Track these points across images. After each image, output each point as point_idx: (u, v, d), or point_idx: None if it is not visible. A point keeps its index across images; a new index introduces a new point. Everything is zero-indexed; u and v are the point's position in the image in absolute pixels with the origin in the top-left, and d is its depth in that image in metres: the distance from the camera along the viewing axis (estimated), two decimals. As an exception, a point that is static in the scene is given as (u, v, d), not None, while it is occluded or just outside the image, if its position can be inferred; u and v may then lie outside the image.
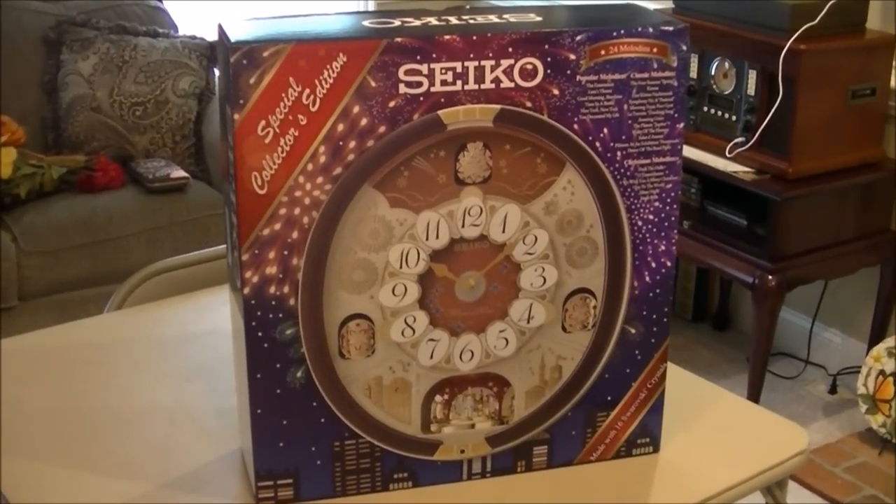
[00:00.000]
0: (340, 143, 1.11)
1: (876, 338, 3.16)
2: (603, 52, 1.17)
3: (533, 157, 1.18)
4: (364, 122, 1.11)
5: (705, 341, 3.62)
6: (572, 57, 1.16)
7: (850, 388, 3.23)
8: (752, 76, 2.93)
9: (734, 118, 3.01)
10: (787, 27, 2.80)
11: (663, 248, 1.25)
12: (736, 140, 2.99)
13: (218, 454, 1.31)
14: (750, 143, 2.95)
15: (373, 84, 1.11)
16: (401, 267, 1.17)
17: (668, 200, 1.23)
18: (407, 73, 1.11)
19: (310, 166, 1.11)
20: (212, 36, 3.60)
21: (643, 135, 1.21)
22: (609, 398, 1.29)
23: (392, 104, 1.12)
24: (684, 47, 1.20)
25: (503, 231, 1.19)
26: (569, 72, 1.16)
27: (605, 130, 1.19)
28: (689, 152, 3.10)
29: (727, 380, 3.30)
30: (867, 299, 3.23)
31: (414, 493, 1.26)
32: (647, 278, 1.25)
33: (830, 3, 2.82)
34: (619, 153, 1.20)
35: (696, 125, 3.14)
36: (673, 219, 1.24)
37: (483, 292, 1.20)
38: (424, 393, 1.22)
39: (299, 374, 1.17)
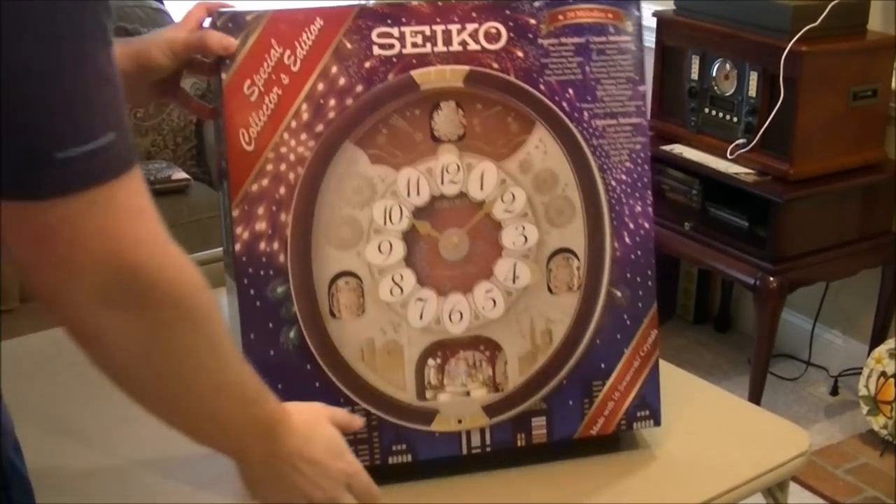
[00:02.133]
0: (321, 101, 1.21)
1: (877, 339, 3.15)
2: (561, 18, 1.28)
3: (504, 117, 1.26)
4: (342, 81, 1.22)
5: (707, 343, 3.62)
6: (533, 21, 1.27)
7: (852, 390, 3.23)
8: (754, 78, 2.92)
9: (735, 120, 3.01)
10: (789, 28, 2.80)
11: (639, 209, 1.32)
12: (737, 141, 2.99)
13: (220, 456, 1.31)
14: (751, 145, 2.95)
15: (348, 46, 1.22)
16: (385, 223, 1.23)
17: (639, 161, 1.31)
18: (379, 35, 1.23)
19: (293, 123, 1.20)
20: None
21: (607, 96, 1.30)
22: (603, 365, 1.30)
23: (367, 65, 1.22)
24: (637, 13, 1.32)
25: (481, 188, 1.26)
26: (531, 35, 1.27)
27: (571, 91, 1.28)
28: (691, 154, 3.10)
29: (729, 381, 3.30)
30: (868, 301, 3.23)
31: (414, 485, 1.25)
32: (627, 239, 1.32)
33: (832, 4, 2.82)
34: (585, 113, 1.29)
35: (698, 126, 3.14)
36: (646, 180, 1.32)
37: (467, 251, 1.26)
38: (417, 357, 1.25)
39: (292, 335, 1.20)
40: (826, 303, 3.35)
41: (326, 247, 1.22)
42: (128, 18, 3.65)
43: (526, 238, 1.28)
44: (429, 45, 1.25)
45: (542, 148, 1.28)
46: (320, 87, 1.22)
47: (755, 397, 2.99)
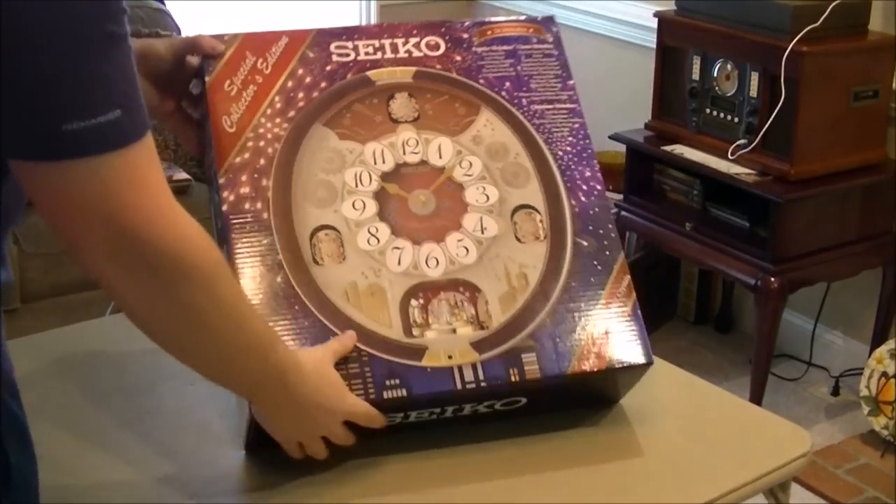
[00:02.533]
0: (291, 94, 1.41)
1: (878, 340, 3.15)
2: (489, 32, 1.51)
3: (452, 103, 1.45)
4: (308, 79, 1.42)
5: (708, 343, 3.62)
6: (465, 35, 1.50)
7: (853, 390, 3.23)
8: (755, 78, 2.93)
9: (736, 120, 3.01)
10: (790, 29, 2.80)
11: (589, 174, 1.44)
12: (738, 142, 2.99)
13: (222, 456, 1.31)
14: (752, 145, 2.95)
15: (310, 55, 1.44)
16: (356, 186, 1.37)
17: (580, 136, 1.46)
18: (336, 47, 1.46)
19: (268, 111, 1.39)
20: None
21: (540, 87, 1.49)
22: (582, 305, 1.35)
23: (328, 68, 1.44)
24: (554, 28, 1.55)
25: (440, 157, 1.41)
26: (465, 45, 1.49)
27: (507, 84, 1.48)
28: (692, 154, 3.10)
29: (729, 382, 3.29)
30: (869, 301, 3.23)
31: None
32: (583, 198, 1.42)
33: (833, 4, 2.82)
34: (524, 100, 1.47)
35: (699, 127, 3.14)
36: (590, 151, 1.45)
37: (434, 207, 1.39)
38: (399, 297, 1.32)
39: (279, 279, 1.29)
40: (827, 303, 3.35)
41: (305, 205, 1.35)
42: (129, 19, 3.64)
43: (487, 196, 1.40)
44: (379, 53, 1.48)
45: (489, 126, 1.44)
46: (290, 83, 1.42)
47: (756, 398, 2.99)
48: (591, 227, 1.40)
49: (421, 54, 1.49)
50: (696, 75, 3.11)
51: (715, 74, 3.06)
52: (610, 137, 3.35)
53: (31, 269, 3.10)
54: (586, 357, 1.32)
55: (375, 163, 1.39)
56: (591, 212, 1.41)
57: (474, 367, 1.29)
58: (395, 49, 1.49)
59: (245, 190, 1.35)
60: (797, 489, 2.76)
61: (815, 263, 2.97)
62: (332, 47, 1.46)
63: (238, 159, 1.36)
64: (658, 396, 1.50)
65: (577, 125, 1.47)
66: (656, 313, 3.70)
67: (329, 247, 1.33)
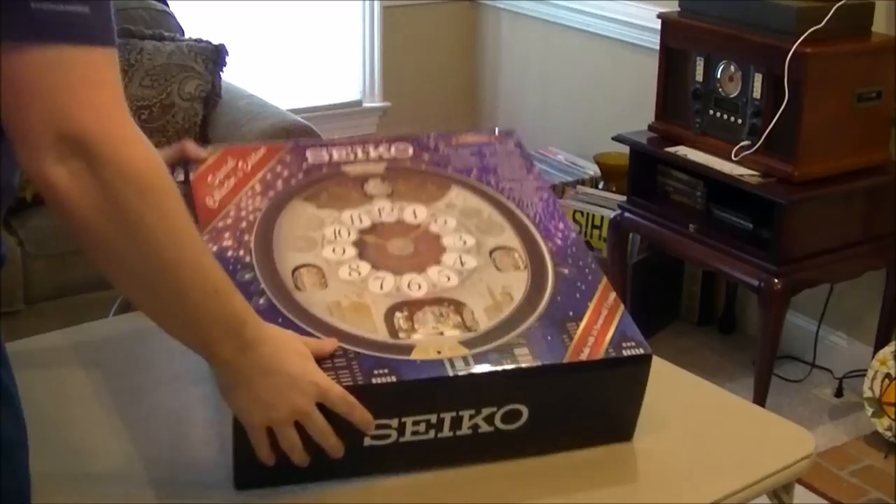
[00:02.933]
0: (270, 182, 1.49)
1: (882, 341, 3.15)
2: (453, 141, 1.61)
3: (424, 183, 1.53)
4: (286, 173, 1.51)
5: (711, 345, 3.62)
6: (432, 143, 1.60)
7: (856, 392, 3.23)
8: (758, 79, 2.93)
9: (740, 121, 3.01)
10: (793, 30, 2.80)
11: (562, 225, 1.49)
12: (742, 143, 2.99)
13: (224, 458, 1.31)
14: (756, 147, 2.95)
15: (287, 158, 1.54)
16: (335, 238, 1.42)
17: (549, 201, 1.52)
18: (311, 153, 1.56)
19: (249, 193, 1.47)
20: (218, 39, 3.61)
21: (507, 173, 1.57)
22: (571, 312, 1.34)
23: (304, 166, 1.53)
24: (516, 136, 1.64)
25: (415, 217, 1.47)
26: (432, 148, 1.59)
27: (475, 171, 1.57)
28: (695, 156, 3.10)
29: (733, 383, 3.29)
30: (873, 303, 3.23)
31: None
32: (559, 241, 1.46)
33: (836, 6, 2.82)
34: (492, 180, 1.55)
35: (702, 128, 3.14)
36: (559, 208, 1.51)
37: (413, 250, 1.42)
38: (384, 311, 1.32)
39: (261, 301, 1.30)
40: (831, 305, 3.35)
41: (287, 252, 1.38)
42: (132, 20, 3.65)
43: (465, 241, 1.44)
44: (352, 155, 1.57)
45: (462, 197, 1.52)
46: (268, 176, 1.50)
47: (760, 399, 2.99)
48: (570, 260, 1.42)
49: (391, 156, 1.57)
50: (699, 77, 3.11)
51: (718, 76, 3.06)
52: (613, 139, 3.36)
53: (34, 270, 3.10)
54: (580, 350, 1.30)
55: (353, 223, 1.45)
56: (569, 250, 1.44)
57: (465, 358, 1.26)
58: (366, 152, 1.57)
59: (228, 243, 1.38)
60: (801, 491, 2.76)
61: (818, 265, 2.97)
62: (307, 153, 1.55)
63: (220, 223, 1.41)
64: (661, 397, 1.50)
65: (545, 195, 1.53)
66: (660, 315, 3.70)
67: (310, 278, 1.34)
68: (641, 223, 3.30)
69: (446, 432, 1.28)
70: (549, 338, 1.30)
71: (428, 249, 1.42)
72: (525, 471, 1.31)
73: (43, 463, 1.30)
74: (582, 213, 3.66)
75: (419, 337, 1.28)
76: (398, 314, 1.31)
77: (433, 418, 1.26)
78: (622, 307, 1.36)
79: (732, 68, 3.02)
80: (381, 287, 1.35)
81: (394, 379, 1.23)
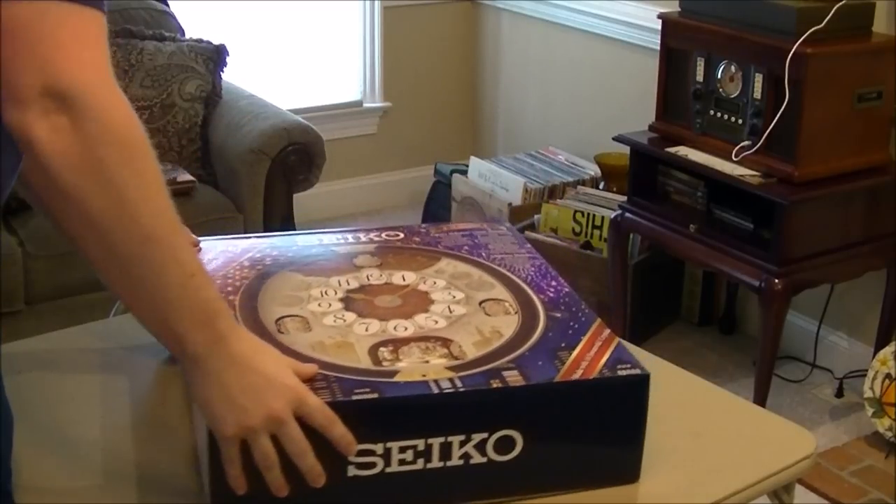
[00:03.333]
0: (258, 258, 1.48)
1: (882, 341, 3.15)
2: (445, 229, 1.61)
3: (414, 256, 1.52)
4: (275, 252, 1.51)
5: (712, 345, 3.62)
6: (423, 230, 1.59)
7: (857, 392, 3.23)
8: (759, 80, 2.92)
9: (740, 122, 3.01)
10: (794, 31, 2.80)
11: (555, 283, 1.45)
12: (742, 144, 2.99)
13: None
14: (756, 147, 2.95)
15: (278, 242, 1.54)
16: (322, 296, 1.38)
17: (542, 267, 1.50)
18: (301, 239, 1.55)
19: (237, 267, 1.45)
20: (218, 39, 3.61)
21: (498, 248, 1.55)
22: (563, 344, 1.30)
23: (294, 248, 1.52)
24: (507, 223, 1.63)
25: (403, 280, 1.44)
26: (423, 233, 1.59)
27: (466, 248, 1.55)
28: (696, 156, 3.10)
29: (734, 383, 3.29)
30: (874, 303, 3.23)
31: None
32: (552, 294, 1.42)
33: (837, 6, 2.82)
34: (483, 253, 1.53)
35: (703, 128, 3.13)
36: (552, 271, 1.48)
37: (401, 303, 1.38)
38: (368, 347, 1.27)
39: None
40: (831, 305, 3.35)
41: (272, 306, 1.35)
42: (132, 20, 3.65)
43: (454, 296, 1.40)
44: (343, 240, 1.56)
45: (452, 265, 1.49)
46: (258, 255, 1.49)
47: (760, 399, 2.99)
48: (562, 307, 1.38)
49: (382, 240, 1.56)
50: (700, 77, 3.11)
51: (719, 76, 3.06)
52: (614, 139, 3.36)
53: (35, 270, 3.10)
54: (575, 369, 1.24)
55: (340, 285, 1.42)
56: (562, 299, 1.40)
57: (451, 380, 1.21)
58: (357, 238, 1.56)
59: None
60: (801, 491, 2.76)
61: (819, 265, 2.97)
62: (297, 239, 1.56)
63: None
64: (662, 398, 1.50)
65: (539, 262, 1.51)
66: (660, 315, 3.70)
67: (294, 325, 1.30)
68: (642, 223, 3.30)
69: (436, 462, 1.20)
70: (541, 363, 1.25)
71: (416, 302, 1.38)
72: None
73: (42, 463, 1.30)
74: (582, 213, 3.66)
75: (404, 365, 1.23)
76: (383, 349, 1.26)
77: (420, 444, 1.19)
78: (617, 340, 1.31)
79: (733, 68, 3.02)
80: (367, 330, 1.30)
81: (375, 396, 1.17)
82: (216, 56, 3.61)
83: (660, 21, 3.25)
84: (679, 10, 3.21)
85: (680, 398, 1.51)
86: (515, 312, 1.36)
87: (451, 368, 1.23)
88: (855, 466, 2.94)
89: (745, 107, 2.99)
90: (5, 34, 0.98)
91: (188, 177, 3.38)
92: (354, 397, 1.16)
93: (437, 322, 1.33)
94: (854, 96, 2.90)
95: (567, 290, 1.43)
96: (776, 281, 2.87)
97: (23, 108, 0.99)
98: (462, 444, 1.20)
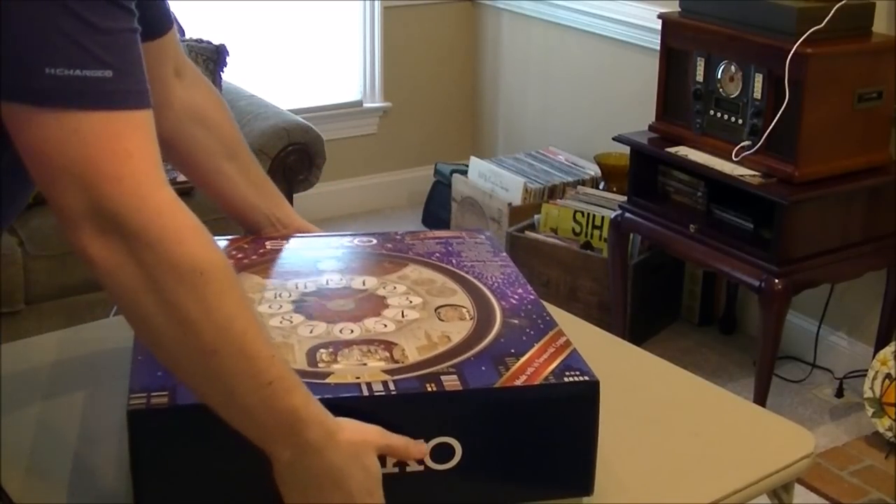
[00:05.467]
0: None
1: (882, 341, 3.15)
2: (422, 236, 1.56)
3: (380, 262, 1.47)
4: (240, 255, 1.47)
5: (712, 345, 3.62)
6: (398, 237, 1.55)
7: (857, 392, 3.23)
8: (759, 80, 2.92)
9: (740, 122, 3.01)
10: (794, 31, 2.80)
11: (521, 291, 1.40)
12: (742, 144, 2.99)
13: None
14: (756, 147, 2.95)
15: (246, 246, 1.50)
16: (275, 298, 1.35)
17: (513, 275, 1.44)
18: (271, 243, 1.51)
19: None
20: (218, 39, 3.61)
21: (471, 255, 1.50)
22: (512, 350, 1.24)
23: (261, 251, 1.49)
24: (487, 232, 1.59)
25: (363, 285, 1.40)
26: (398, 240, 1.54)
27: (437, 255, 1.50)
28: (695, 156, 3.10)
29: (734, 383, 3.30)
30: (874, 303, 3.23)
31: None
32: (514, 301, 1.37)
33: (837, 6, 2.82)
34: (453, 261, 1.48)
35: (703, 129, 3.14)
36: (521, 279, 1.43)
37: (353, 307, 1.34)
38: (307, 348, 1.23)
39: None
40: (831, 305, 3.35)
41: None
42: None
43: (411, 301, 1.36)
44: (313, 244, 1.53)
45: (417, 271, 1.44)
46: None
47: (760, 399, 2.99)
48: (522, 314, 1.33)
49: (352, 245, 1.52)
50: (700, 77, 3.11)
51: (719, 76, 3.06)
52: (614, 139, 3.36)
53: (35, 270, 3.10)
54: (519, 376, 1.19)
55: (297, 288, 1.37)
56: (524, 307, 1.35)
57: (385, 383, 1.16)
58: (327, 243, 1.52)
59: None
60: (801, 491, 2.76)
61: (819, 265, 2.97)
62: (267, 243, 1.51)
63: None
64: (662, 397, 1.51)
65: (510, 271, 1.45)
66: (660, 315, 3.70)
67: None
68: (642, 223, 3.30)
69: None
70: (484, 368, 1.19)
71: (370, 307, 1.33)
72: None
73: (42, 463, 1.30)
74: (582, 213, 3.66)
75: (339, 367, 1.19)
76: (322, 350, 1.22)
77: None
78: (573, 348, 1.25)
79: (733, 69, 3.02)
80: (311, 332, 1.26)
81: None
82: (216, 56, 3.61)
83: (660, 21, 3.25)
84: (679, 10, 3.21)
85: (680, 398, 1.51)
86: (471, 318, 1.31)
87: (388, 371, 1.18)
88: (855, 466, 2.94)
89: (745, 107, 2.99)
90: (38, 154, 0.95)
91: (188, 177, 3.37)
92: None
93: (385, 326, 1.29)
94: (854, 96, 2.90)
95: (532, 297, 1.38)
96: (776, 281, 2.87)
97: (75, 228, 0.97)
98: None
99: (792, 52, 2.78)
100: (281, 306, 1.32)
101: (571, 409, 1.20)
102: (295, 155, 3.43)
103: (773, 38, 2.86)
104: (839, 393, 3.31)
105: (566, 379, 1.19)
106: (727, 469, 1.35)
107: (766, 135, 2.92)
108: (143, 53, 1.00)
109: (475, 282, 1.42)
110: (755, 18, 2.94)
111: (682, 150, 3.15)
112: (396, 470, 1.16)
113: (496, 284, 1.41)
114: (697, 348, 3.59)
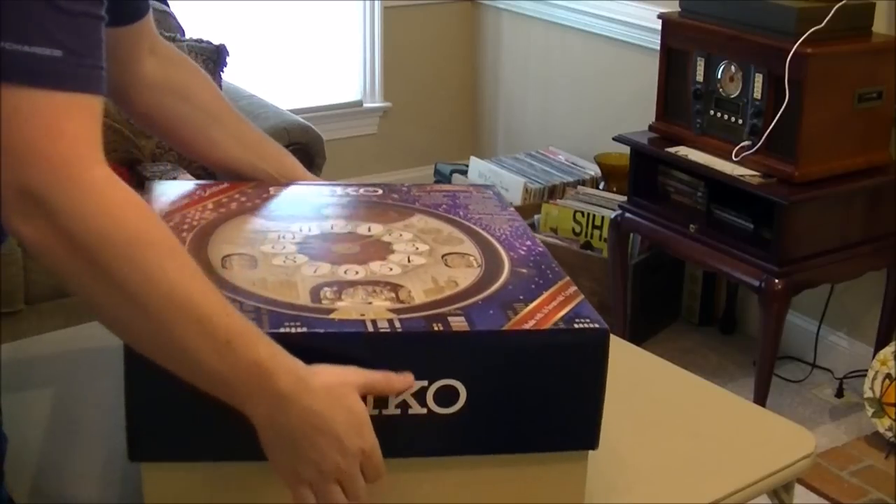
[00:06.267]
0: (224, 202, 1.42)
1: (882, 341, 3.15)
2: (428, 189, 1.54)
3: (386, 211, 1.44)
4: (243, 198, 1.44)
5: (712, 345, 3.62)
6: (404, 189, 1.53)
7: (857, 392, 3.23)
8: (759, 80, 2.93)
9: (740, 122, 3.01)
10: (794, 31, 2.80)
11: (529, 243, 1.38)
12: (742, 144, 2.99)
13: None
14: (756, 147, 2.95)
15: (249, 191, 1.47)
16: (278, 240, 1.33)
17: (521, 228, 1.42)
18: (275, 189, 1.49)
19: (199, 209, 1.39)
20: (218, 39, 3.61)
21: (478, 208, 1.48)
22: (521, 297, 1.22)
23: (265, 195, 1.46)
24: (494, 191, 1.55)
25: (369, 231, 1.38)
26: (404, 192, 1.52)
27: (444, 206, 1.47)
28: (696, 156, 3.10)
29: (734, 383, 3.30)
30: (874, 303, 3.23)
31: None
32: (523, 252, 1.34)
33: (837, 6, 2.82)
34: (461, 212, 1.46)
35: (703, 129, 3.14)
36: (529, 233, 1.41)
37: (358, 251, 1.31)
38: (311, 287, 1.21)
39: None
40: (831, 305, 3.35)
41: (220, 245, 1.29)
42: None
43: (417, 248, 1.33)
44: (318, 192, 1.50)
45: (423, 220, 1.42)
46: (224, 199, 1.43)
47: (760, 399, 2.99)
48: (531, 264, 1.31)
49: (358, 194, 1.50)
50: (700, 77, 3.11)
51: (719, 76, 3.06)
52: (614, 139, 3.36)
53: (35, 270, 3.10)
54: (527, 320, 1.16)
55: (301, 231, 1.35)
56: (532, 258, 1.33)
57: (390, 321, 1.13)
58: (332, 191, 1.50)
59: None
60: (801, 491, 2.76)
61: (819, 265, 2.97)
62: (270, 189, 1.48)
63: (165, 209, 1.36)
64: (662, 397, 1.51)
65: (518, 224, 1.43)
66: (660, 315, 3.70)
67: (240, 261, 1.25)
68: (642, 223, 3.30)
69: (370, 409, 1.12)
70: (492, 311, 1.17)
71: (375, 251, 1.31)
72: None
73: (42, 463, 1.30)
74: (582, 213, 3.66)
75: (343, 304, 1.17)
76: (326, 289, 1.20)
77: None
78: (582, 297, 1.23)
79: (733, 69, 3.02)
80: (315, 272, 1.24)
81: (304, 329, 1.11)
82: (216, 56, 3.60)
83: (660, 21, 3.25)
84: (679, 10, 3.21)
85: (680, 398, 1.51)
86: (479, 266, 1.29)
87: (393, 311, 1.16)
88: (855, 466, 2.94)
89: (745, 107, 2.99)
90: None
91: (188, 176, 3.37)
92: (283, 329, 1.10)
93: (391, 269, 1.26)
94: (854, 96, 2.90)
95: (541, 249, 1.35)
96: (776, 281, 2.87)
97: (7, 208, 0.96)
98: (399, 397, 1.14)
99: (792, 52, 2.78)
100: (284, 247, 1.30)
101: (580, 357, 1.18)
102: (295, 155, 3.40)
103: (773, 38, 2.86)
104: (839, 393, 3.31)
105: (576, 325, 1.17)
106: (727, 469, 1.35)
107: (766, 135, 2.92)
108: (121, 37, 1.01)
109: (483, 232, 1.39)
110: (755, 18, 2.94)
111: (682, 150, 3.15)
112: (399, 412, 1.14)
113: (504, 236, 1.39)
114: (697, 348, 3.59)
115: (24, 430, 1.35)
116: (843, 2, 2.84)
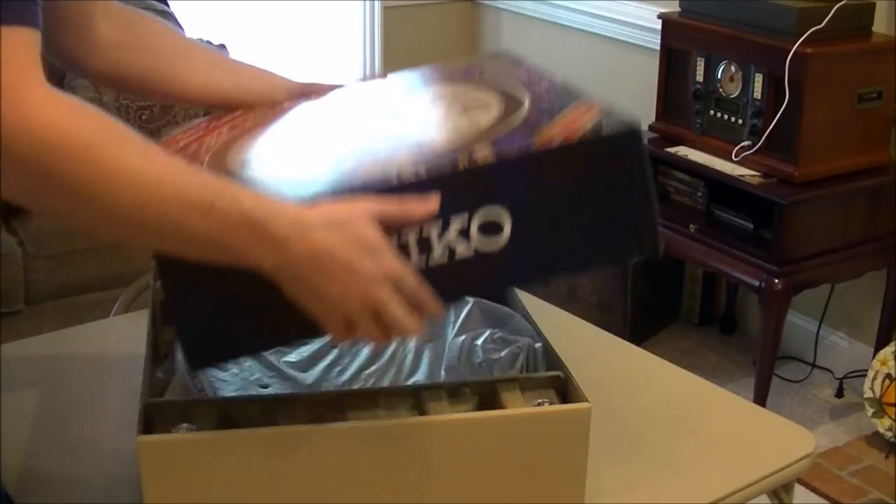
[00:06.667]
0: (236, 125, 1.34)
1: (882, 341, 3.15)
2: (439, 67, 1.49)
3: (399, 96, 1.39)
4: (248, 124, 1.34)
5: (712, 345, 3.62)
6: (416, 71, 1.49)
7: (857, 392, 3.23)
8: (759, 80, 2.92)
9: (741, 122, 3.01)
10: (794, 31, 2.80)
11: (548, 82, 1.31)
12: (742, 144, 2.99)
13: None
14: (756, 147, 2.95)
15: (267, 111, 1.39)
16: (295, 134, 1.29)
17: (537, 73, 1.34)
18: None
19: (216, 135, 1.31)
20: (218, 39, 3.61)
21: (493, 69, 1.41)
22: (544, 121, 1.18)
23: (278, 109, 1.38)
24: (520, 57, 1.46)
25: (386, 111, 1.34)
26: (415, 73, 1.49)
27: (459, 75, 1.42)
28: (696, 156, 3.10)
29: (734, 383, 3.29)
30: (874, 303, 3.23)
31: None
32: (544, 88, 1.29)
33: (837, 6, 2.82)
34: (476, 76, 1.38)
35: (703, 129, 3.14)
36: (546, 72, 1.33)
37: (377, 125, 1.29)
38: (332, 159, 1.20)
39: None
40: (831, 305, 3.35)
41: (240, 153, 1.25)
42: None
43: (435, 107, 1.30)
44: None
45: (439, 89, 1.38)
46: (240, 118, 1.37)
47: (760, 399, 2.99)
48: (552, 94, 1.27)
49: (365, 84, 1.50)
50: (700, 77, 3.11)
51: (719, 76, 3.06)
52: (614, 139, 3.35)
53: (35, 270, 3.10)
54: (557, 134, 1.12)
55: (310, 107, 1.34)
56: (553, 89, 1.29)
57: (416, 171, 1.09)
58: (341, 90, 1.47)
59: (183, 143, 1.29)
60: (801, 491, 2.76)
61: (819, 265, 2.97)
62: (284, 103, 1.43)
63: (182, 142, 1.32)
64: (662, 397, 1.51)
65: (535, 71, 1.36)
66: (660, 315, 3.70)
67: (258, 160, 1.22)
68: (642, 223, 3.29)
69: (417, 261, 1.09)
70: (517, 135, 1.13)
71: (393, 122, 1.29)
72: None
73: (42, 463, 1.30)
74: (582, 213, 3.65)
75: (365, 165, 1.15)
76: (346, 158, 1.18)
77: (393, 241, 1.08)
78: (602, 104, 1.21)
79: (733, 69, 3.02)
80: (335, 147, 1.23)
81: (329, 190, 1.09)
82: (216, 56, 3.60)
83: (660, 21, 3.25)
84: (679, 10, 3.21)
85: (680, 398, 1.51)
86: (499, 107, 1.24)
87: (416, 161, 1.12)
88: (855, 466, 2.94)
89: (745, 107, 2.99)
90: None
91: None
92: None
93: (409, 127, 1.24)
94: (854, 96, 2.90)
95: (559, 82, 1.30)
96: (776, 281, 2.87)
97: None
98: (441, 233, 1.10)
99: (792, 52, 2.78)
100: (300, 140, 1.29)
101: (616, 159, 1.15)
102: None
103: (773, 38, 2.86)
104: (839, 393, 3.31)
105: (604, 133, 1.14)
106: (727, 469, 1.35)
107: (766, 135, 2.92)
108: (73, 7, 1.04)
109: (499, 83, 1.33)
110: (755, 18, 2.94)
111: (682, 150, 3.15)
112: (446, 260, 1.10)
113: (523, 80, 1.33)
114: (697, 348, 3.59)
115: (23, 430, 1.35)
116: (843, 2, 2.84)
